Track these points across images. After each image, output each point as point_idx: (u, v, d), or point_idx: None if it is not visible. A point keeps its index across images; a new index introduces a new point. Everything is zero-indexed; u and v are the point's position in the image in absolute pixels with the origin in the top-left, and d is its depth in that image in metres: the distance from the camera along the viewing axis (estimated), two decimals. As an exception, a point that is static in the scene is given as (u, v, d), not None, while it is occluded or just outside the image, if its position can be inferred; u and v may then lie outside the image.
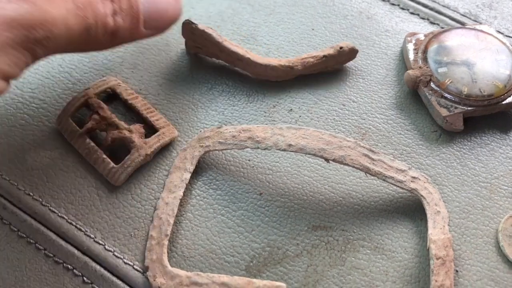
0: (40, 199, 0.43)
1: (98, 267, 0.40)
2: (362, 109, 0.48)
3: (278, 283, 0.36)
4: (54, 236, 0.42)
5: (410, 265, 0.40)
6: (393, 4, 0.56)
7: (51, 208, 0.43)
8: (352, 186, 0.44)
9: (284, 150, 0.43)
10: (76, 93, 0.48)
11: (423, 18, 0.55)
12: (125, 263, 0.40)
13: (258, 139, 0.43)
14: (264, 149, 0.43)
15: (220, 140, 0.44)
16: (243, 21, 0.54)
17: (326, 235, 0.42)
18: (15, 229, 0.42)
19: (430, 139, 0.47)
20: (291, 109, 0.48)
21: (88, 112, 0.47)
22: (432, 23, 0.55)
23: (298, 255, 0.41)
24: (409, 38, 0.51)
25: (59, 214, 0.42)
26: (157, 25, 0.42)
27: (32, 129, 0.47)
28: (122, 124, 0.46)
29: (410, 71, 0.48)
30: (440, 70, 0.48)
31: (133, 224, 0.42)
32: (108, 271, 0.40)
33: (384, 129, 0.47)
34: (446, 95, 0.47)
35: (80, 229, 0.42)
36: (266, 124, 0.47)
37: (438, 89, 0.47)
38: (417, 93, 0.49)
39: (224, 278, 0.37)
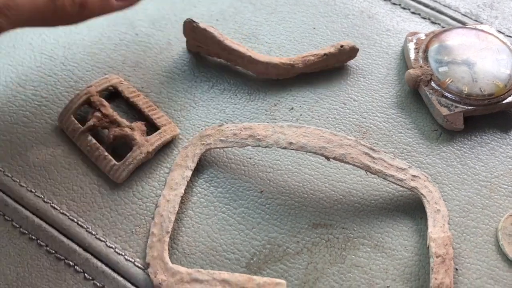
0: (42, 196, 0.43)
1: (99, 263, 0.40)
2: (363, 108, 0.48)
3: (278, 280, 0.37)
4: (55, 233, 0.42)
5: (410, 263, 0.41)
6: (394, 4, 0.56)
7: (53, 205, 0.43)
8: (353, 185, 0.44)
9: (285, 148, 0.43)
10: (78, 91, 0.48)
11: (424, 18, 0.55)
12: (126, 259, 0.40)
13: (259, 137, 0.43)
14: (265, 147, 0.43)
15: (221, 138, 0.44)
16: (245, 20, 0.54)
17: (327, 233, 0.42)
18: (17, 226, 0.42)
19: (431, 138, 0.47)
20: (292, 108, 0.48)
21: (90, 110, 0.47)
22: (433, 22, 0.55)
23: (299, 253, 0.41)
24: (410, 38, 0.51)
25: (61, 211, 0.43)
26: None
27: (34, 127, 0.47)
28: (124, 121, 0.46)
29: (411, 70, 0.48)
30: (441, 69, 0.48)
31: (134, 221, 0.42)
32: (110, 267, 0.40)
33: (384, 128, 0.47)
34: (447, 94, 0.47)
35: (81, 226, 0.42)
36: (267, 122, 0.47)
37: (439, 88, 0.47)
38: (417, 92, 0.49)
39: (225, 275, 0.37)
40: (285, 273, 0.40)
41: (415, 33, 0.52)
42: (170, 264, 0.39)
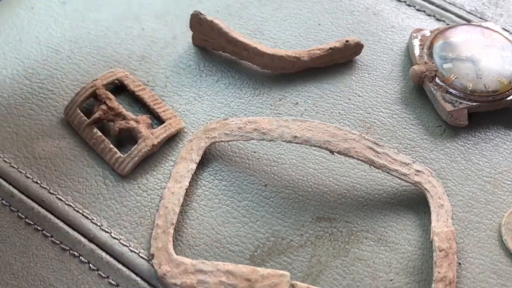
0: (48, 187, 0.44)
1: (104, 254, 0.41)
2: (368, 103, 0.49)
3: (282, 272, 0.37)
4: (61, 224, 0.42)
5: (413, 257, 0.41)
6: (399, 1, 0.56)
7: (59, 196, 0.43)
8: (357, 179, 0.44)
9: (289, 141, 0.43)
10: (84, 84, 0.49)
11: (429, 15, 0.55)
12: (131, 250, 0.41)
13: (263, 131, 0.44)
14: (270, 140, 0.43)
15: (226, 132, 0.45)
16: (250, 16, 0.55)
17: (330, 226, 0.42)
18: (23, 216, 0.42)
19: (435, 134, 0.47)
20: (297, 103, 0.49)
21: (96, 103, 0.47)
22: (438, 20, 0.55)
23: (302, 246, 0.41)
24: (415, 34, 0.52)
25: (66, 202, 0.43)
26: None
27: (40, 119, 0.47)
28: (129, 114, 0.46)
29: (415, 66, 0.49)
30: (445, 65, 0.48)
31: (139, 213, 0.42)
32: (114, 258, 0.41)
33: (389, 123, 0.47)
34: (451, 90, 0.47)
35: (86, 217, 0.42)
36: (272, 117, 0.47)
37: (443, 84, 0.47)
38: (422, 89, 0.49)
39: (229, 266, 0.37)
40: (288, 265, 0.40)
41: (420, 30, 0.52)
42: (174, 255, 0.39)
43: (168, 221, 0.41)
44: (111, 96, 0.47)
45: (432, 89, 0.48)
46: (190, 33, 0.52)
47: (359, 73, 0.51)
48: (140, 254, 0.40)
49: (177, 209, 0.41)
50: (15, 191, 0.43)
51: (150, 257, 0.40)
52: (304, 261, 0.40)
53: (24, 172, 0.44)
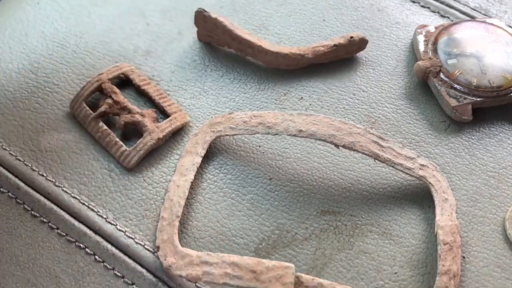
0: (54, 180, 0.44)
1: (109, 246, 0.41)
2: (372, 98, 0.49)
3: (287, 264, 0.37)
4: (67, 216, 0.42)
5: (417, 251, 0.41)
6: (404, -3, 0.56)
7: (64, 188, 0.43)
8: (361, 173, 0.44)
9: (294, 135, 0.43)
10: (90, 78, 0.49)
11: (433, 12, 0.55)
12: (137, 243, 0.41)
13: (269, 125, 0.44)
14: (275, 134, 0.43)
15: (231, 126, 0.45)
16: (255, 11, 0.55)
17: (335, 219, 0.42)
18: (29, 209, 0.43)
19: (439, 129, 0.47)
20: (302, 97, 0.49)
21: (101, 97, 0.47)
22: (442, 16, 0.55)
23: (307, 239, 0.41)
24: (419, 30, 0.52)
25: (72, 194, 0.43)
26: None
27: (46, 113, 0.47)
28: (135, 108, 0.46)
29: (420, 62, 0.49)
30: (450, 61, 0.48)
31: (144, 205, 0.43)
32: (120, 250, 0.41)
33: (393, 118, 0.48)
34: (456, 85, 0.47)
35: (92, 210, 0.42)
36: (277, 111, 0.47)
37: (448, 79, 0.48)
38: (426, 84, 0.49)
39: (234, 258, 0.38)
40: (293, 258, 0.40)
41: (424, 26, 0.52)
42: (179, 247, 0.39)
43: (173, 213, 0.41)
44: (116, 90, 0.47)
45: (437, 84, 0.48)
46: (195, 28, 0.52)
47: (363, 69, 0.51)
48: (146, 246, 0.41)
49: (182, 202, 0.42)
50: (21, 184, 0.44)
51: (155, 249, 0.40)
52: (308, 254, 0.41)
53: (30, 165, 0.44)
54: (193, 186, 0.43)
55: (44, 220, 0.42)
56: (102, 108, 0.46)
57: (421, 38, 0.51)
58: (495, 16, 0.55)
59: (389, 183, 0.44)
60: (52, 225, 0.42)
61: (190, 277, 0.38)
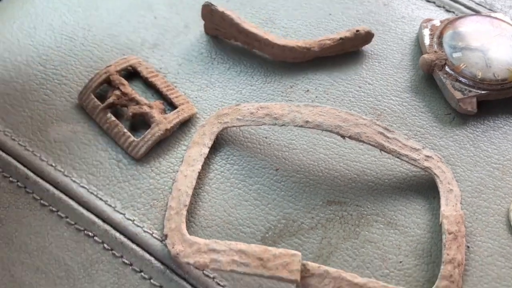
0: (62, 170, 0.44)
1: (118, 234, 0.41)
2: (378, 91, 0.49)
3: (293, 251, 0.37)
4: (75, 205, 0.43)
5: (422, 240, 0.41)
6: (409, -8, 0.57)
7: (73, 178, 0.44)
8: (367, 164, 0.45)
9: (301, 126, 0.44)
10: (98, 70, 0.49)
11: (439, 6, 0.56)
12: (145, 231, 0.41)
13: (275, 116, 0.44)
14: (282, 125, 0.44)
15: (238, 117, 0.45)
16: (262, 5, 0.55)
17: (341, 209, 0.43)
18: (38, 198, 0.43)
19: (444, 121, 0.47)
20: (308, 90, 0.49)
21: (109, 89, 0.48)
22: (447, 11, 0.56)
23: (313, 228, 0.42)
24: (425, 24, 0.52)
25: (81, 184, 0.43)
26: None
27: (54, 104, 0.48)
28: (143, 100, 0.47)
29: (425, 55, 0.49)
30: (455, 55, 0.49)
31: (152, 195, 0.43)
32: (128, 238, 0.41)
33: (399, 111, 0.48)
34: (461, 78, 0.48)
35: (101, 199, 0.43)
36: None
37: (453, 73, 0.48)
38: (431, 77, 0.50)
39: (241, 245, 0.38)
40: (299, 247, 0.41)
41: (430, 20, 0.52)
42: (187, 235, 0.39)
43: (181, 202, 0.41)
44: (124, 81, 0.48)
45: (442, 77, 0.48)
46: (202, 22, 0.52)
47: (369, 62, 0.51)
48: (154, 235, 0.41)
49: (190, 191, 0.42)
50: (30, 174, 0.44)
51: (163, 238, 0.41)
52: (314, 243, 0.41)
53: (39, 155, 0.45)
54: (200, 177, 0.44)
55: (53, 209, 0.43)
56: (110, 100, 0.47)
57: (426, 32, 0.51)
58: (500, 11, 0.55)
59: (395, 174, 0.44)
60: (61, 214, 0.42)
61: (197, 265, 0.38)
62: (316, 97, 0.49)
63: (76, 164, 0.45)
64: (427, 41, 0.51)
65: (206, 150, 0.44)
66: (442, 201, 0.42)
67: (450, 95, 0.47)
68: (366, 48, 0.52)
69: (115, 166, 0.45)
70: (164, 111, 0.47)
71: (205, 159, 0.44)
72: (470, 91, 0.47)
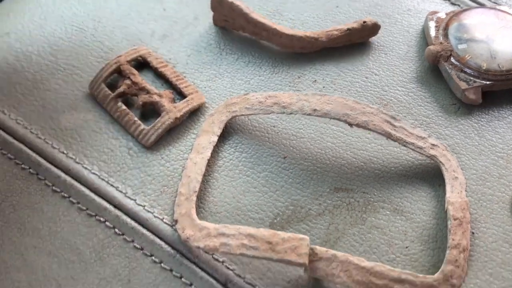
0: (74, 157, 0.45)
1: (129, 220, 0.42)
2: (384, 81, 0.50)
3: (301, 236, 0.38)
4: (87, 191, 0.43)
5: (428, 226, 0.42)
6: (415, -15, 0.57)
7: (84, 165, 0.45)
8: (373, 153, 0.46)
9: (309, 114, 0.44)
10: (108, 60, 0.50)
11: (444, -1, 0.57)
12: (155, 216, 0.42)
13: (284, 105, 0.45)
14: (290, 113, 0.45)
15: (247, 106, 0.46)
16: (269, -3, 0.56)
17: (348, 196, 0.43)
18: (50, 184, 0.44)
19: (449, 111, 0.48)
20: (315, 80, 0.50)
21: (120, 78, 0.49)
22: (453, 4, 0.56)
23: (320, 214, 0.42)
24: (430, 16, 0.53)
25: (92, 171, 0.44)
26: None
27: (66, 93, 0.49)
28: (153, 89, 0.47)
29: (431, 46, 0.50)
30: (460, 46, 0.49)
31: (162, 181, 0.44)
32: (139, 224, 0.42)
33: (405, 101, 0.49)
34: (466, 69, 0.48)
35: (112, 185, 0.44)
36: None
37: (458, 63, 0.49)
38: (437, 68, 0.50)
39: (251, 229, 0.39)
40: (307, 232, 0.42)
41: (435, 12, 0.53)
42: (197, 220, 0.40)
43: (191, 189, 0.42)
44: (134, 71, 0.48)
45: (447, 68, 0.49)
46: (211, 13, 0.53)
47: (376, 53, 0.52)
48: (164, 220, 0.42)
49: (200, 178, 0.43)
50: (42, 161, 0.45)
51: (173, 223, 0.41)
52: (322, 228, 0.42)
53: (50, 143, 0.46)
54: (210, 164, 0.45)
55: (65, 195, 0.43)
56: (121, 89, 0.47)
57: (432, 24, 0.52)
58: (504, 4, 0.56)
59: (401, 162, 0.45)
60: (73, 200, 0.43)
61: (207, 248, 0.39)
62: (324, 87, 0.49)
63: (87, 152, 0.45)
64: (432, 33, 0.51)
65: (215, 138, 0.45)
66: (448, 188, 0.42)
67: (456, 85, 0.48)
68: (373, 39, 0.53)
69: (126, 154, 0.45)
70: (173, 100, 0.48)
71: (214, 147, 0.45)
72: (475, 82, 0.48)
